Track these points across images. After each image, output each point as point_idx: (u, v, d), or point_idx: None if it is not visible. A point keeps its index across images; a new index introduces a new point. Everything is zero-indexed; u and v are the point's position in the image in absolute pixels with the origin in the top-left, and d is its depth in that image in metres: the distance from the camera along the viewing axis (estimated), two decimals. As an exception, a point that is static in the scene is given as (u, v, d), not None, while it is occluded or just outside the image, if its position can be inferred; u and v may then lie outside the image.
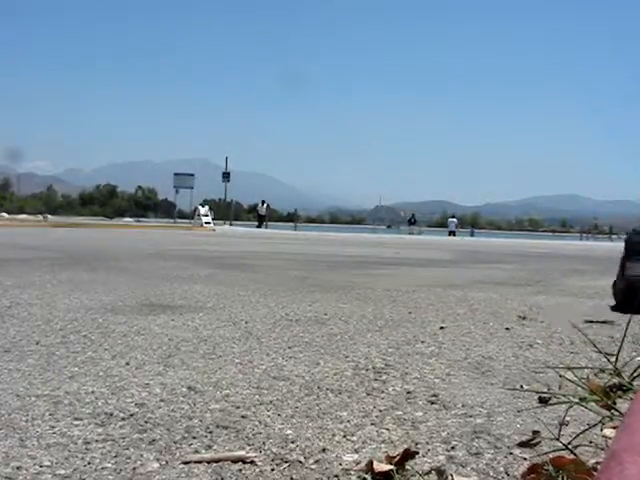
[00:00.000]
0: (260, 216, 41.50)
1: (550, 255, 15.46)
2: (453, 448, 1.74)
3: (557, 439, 1.49)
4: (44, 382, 2.32)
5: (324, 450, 1.71)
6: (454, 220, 41.20)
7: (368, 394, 2.29)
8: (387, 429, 1.90)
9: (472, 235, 44.17)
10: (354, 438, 1.81)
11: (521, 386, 2.44)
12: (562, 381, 2.33)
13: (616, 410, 1.41)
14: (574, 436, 1.64)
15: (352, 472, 1.56)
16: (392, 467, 1.53)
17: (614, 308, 5.07)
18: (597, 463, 1.51)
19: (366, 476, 1.53)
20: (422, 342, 3.34)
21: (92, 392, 2.20)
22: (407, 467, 1.55)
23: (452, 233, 39.49)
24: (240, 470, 1.57)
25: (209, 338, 3.27)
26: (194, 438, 1.78)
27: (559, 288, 6.79)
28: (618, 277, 5.23)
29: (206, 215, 38.05)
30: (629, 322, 1.75)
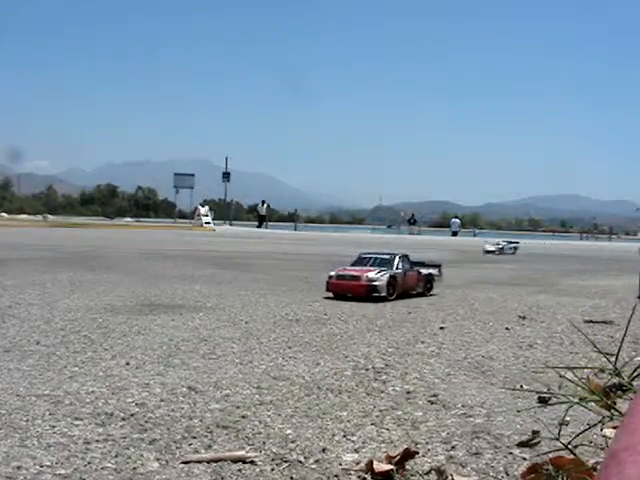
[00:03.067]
0: (260, 216, 41.39)
1: (550, 255, 15.45)
2: (453, 448, 1.74)
3: (557, 439, 1.49)
4: (44, 382, 2.32)
5: (324, 450, 1.71)
6: (457, 220, 41.13)
7: (368, 394, 2.29)
8: (387, 429, 1.90)
9: (475, 235, 44.11)
10: (354, 438, 1.81)
11: (521, 386, 2.44)
12: (562, 381, 2.32)
13: (616, 410, 1.41)
14: (574, 436, 1.63)
15: (352, 472, 1.56)
16: (392, 467, 1.53)
17: None
18: (597, 463, 1.51)
19: (366, 476, 1.53)
20: (422, 342, 3.34)
21: (92, 392, 2.20)
22: (407, 467, 1.55)
23: (455, 233, 39.48)
24: (240, 470, 1.57)
25: (209, 338, 3.27)
26: (194, 438, 1.78)
27: (559, 288, 6.78)
28: None
29: (206, 215, 37.94)
30: (629, 322, 1.75)
